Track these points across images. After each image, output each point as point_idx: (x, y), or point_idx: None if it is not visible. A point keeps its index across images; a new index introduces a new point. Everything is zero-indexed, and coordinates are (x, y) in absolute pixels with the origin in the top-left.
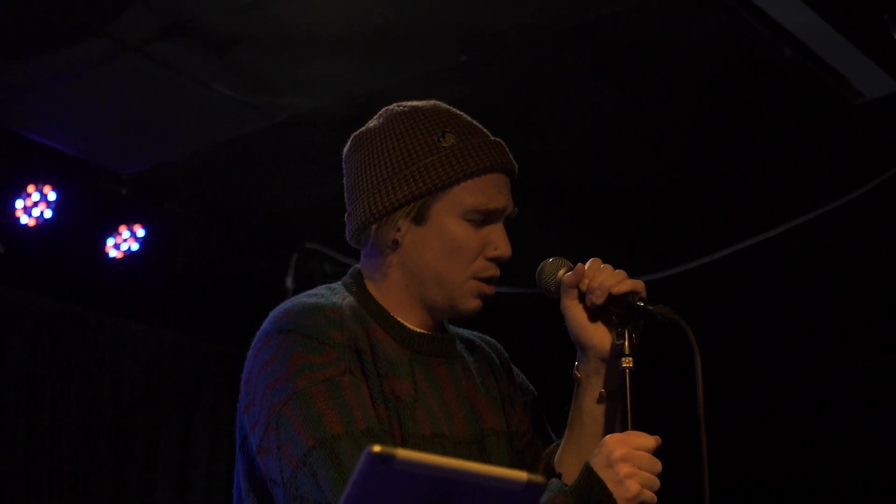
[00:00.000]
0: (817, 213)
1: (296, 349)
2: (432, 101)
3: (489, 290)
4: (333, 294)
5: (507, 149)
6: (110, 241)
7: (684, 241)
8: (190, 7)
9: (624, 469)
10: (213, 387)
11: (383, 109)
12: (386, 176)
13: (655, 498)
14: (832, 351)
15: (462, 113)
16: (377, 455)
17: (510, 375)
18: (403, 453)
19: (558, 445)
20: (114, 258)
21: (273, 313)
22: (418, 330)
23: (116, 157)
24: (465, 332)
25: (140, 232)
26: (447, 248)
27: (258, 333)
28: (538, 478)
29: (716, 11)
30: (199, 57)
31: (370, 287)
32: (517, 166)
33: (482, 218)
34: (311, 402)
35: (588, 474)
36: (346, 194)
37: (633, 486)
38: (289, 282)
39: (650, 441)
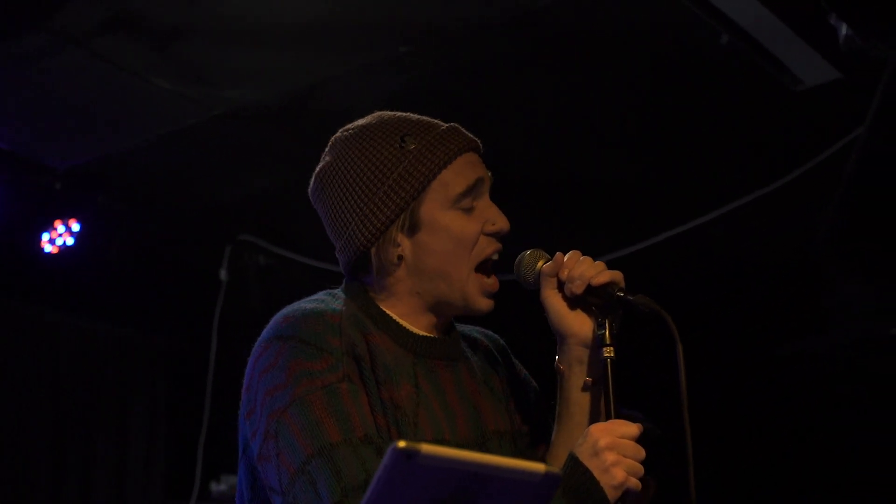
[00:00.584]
0: (750, 199)
1: (295, 356)
2: (375, 114)
3: (491, 285)
4: (334, 300)
5: (462, 128)
6: (45, 237)
7: (621, 226)
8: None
9: (610, 457)
10: (149, 379)
11: (332, 140)
12: (366, 198)
13: (640, 485)
14: (768, 333)
15: (407, 113)
16: (402, 450)
17: (513, 371)
18: (427, 448)
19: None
20: (49, 253)
21: (274, 319)
22: (422, 333)
23: (52, 151)
24: (468, 329)
25: (75, 226)
26: (449, 244)
27: (260, 339)
28: (555, 470)
29: None
30: (136, 50)
31: (376, 299)
32: (479, 140)
33: (470, 201)
34: (310, 410)
35: (574, 464)
36: (329, 230)
37: (619, 474)
38: (222, 274)
39: (633, 429)
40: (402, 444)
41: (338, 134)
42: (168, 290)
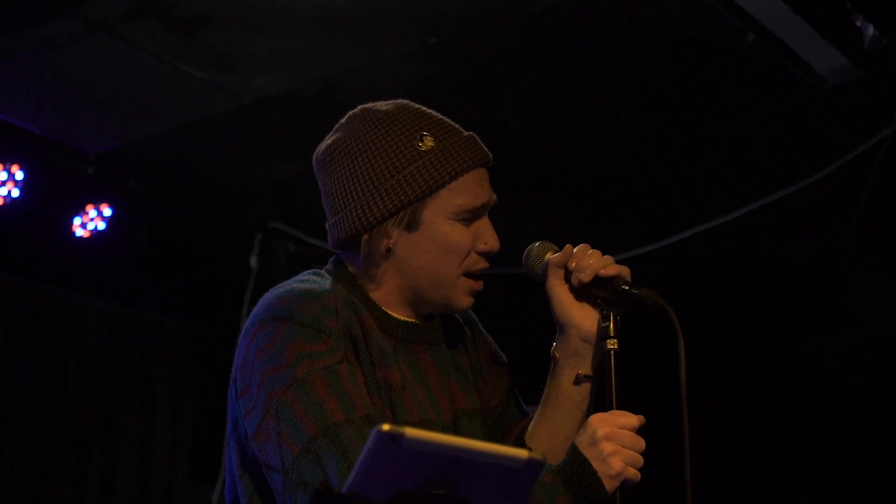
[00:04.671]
0: (774, 199)
1: (293, 337)
2: (399, 102)
3: (478, 286)
4: (324, 280)
5: (480, 141)
6: (77, 220)
7: (644, 223)
8: None
9: (608, 447)
10: (176, 364)
11: (347, 115)
12: (372, 186)
13: (639, 475)
14: (788, 330)
15: (431, 110)
16: (386, 433)
17: (484, 345)
18: (411, 432)
19: (531, 419)
20: (81, 237)
21: (266, 299)
22: (403, 318)
23: (83, 135)
24: None
25: (107, 211)
26: (441, 250)
27: (251, 319)
28: (538, 455)
29: None
30: (166, 37)
31: (360, 284)
32: (492, 156)
33: (470, 216)
34: (312, 391)
35: (574, 453)
36: (325, 202)
37: (616, 464)
38: (253, 261)
39: (633, 420)
40: (386, 427)
41: (357, 111)
42: (198, 277)
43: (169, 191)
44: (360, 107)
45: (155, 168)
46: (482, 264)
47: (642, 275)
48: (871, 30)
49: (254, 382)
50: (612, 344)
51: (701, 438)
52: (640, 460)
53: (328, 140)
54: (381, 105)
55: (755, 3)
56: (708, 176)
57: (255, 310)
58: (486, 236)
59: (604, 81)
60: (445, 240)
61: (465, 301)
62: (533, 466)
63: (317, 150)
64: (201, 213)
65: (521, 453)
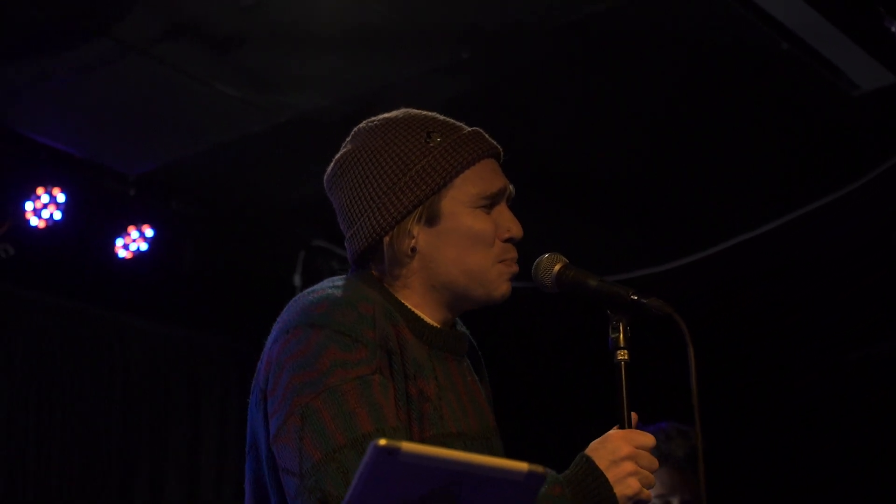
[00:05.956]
0: (813, 207)
1: (328, 345)
2: (402, 110)
3: (514, 268)
4: (358, 287)
5: (486, 134)
6: (119, 242)
7: (681, 234)
8: (192, 8)
9: (629, 467)
10: (221, 383)
11: (354, 130)
12: (386, 188)
13: (651, 496)
14: (827, 342)
15: (435, 113)
16: (383, 448)
17: (483, 370)
18: (408, 446)
19: None
20: (123, 258)
21: (300, 304)
22: (434, 324)
23: (123, 157)
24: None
25: (149, 232)
26: (467, 240)
27: (282, 325)
28: (539, 468)
29: (711, 5)
30: (202, 57)
31: (390, 290)
32: (501, 148)
33: (489, 202)
34: (344, 400)
35: (590, 469)
36: (341, 219)
37: (634, 485)
38: (296, 279)
39: (651, 440)
40: (382, 442)
41: (361, 125)
42: (241, 296)
43: (211, 210)
44: (363, 121)
45: (196, 188)
46: (511, 253)
47: (686, 285)
48: None
49: (280, 386)
50: (622, 355)
51: (751, 448)
52: (654, 481)
53: (336, 157)
54: (384, 114)
55: (788, 12)
56: (748, 185)
57: (286, 315)
58: (508, 224)
59: (638, 91)
60: (468, 229)
61: (504, 287)
62: (533, 479)
63: (326, 173)
64: (244, 232)
65: (521, 466)
